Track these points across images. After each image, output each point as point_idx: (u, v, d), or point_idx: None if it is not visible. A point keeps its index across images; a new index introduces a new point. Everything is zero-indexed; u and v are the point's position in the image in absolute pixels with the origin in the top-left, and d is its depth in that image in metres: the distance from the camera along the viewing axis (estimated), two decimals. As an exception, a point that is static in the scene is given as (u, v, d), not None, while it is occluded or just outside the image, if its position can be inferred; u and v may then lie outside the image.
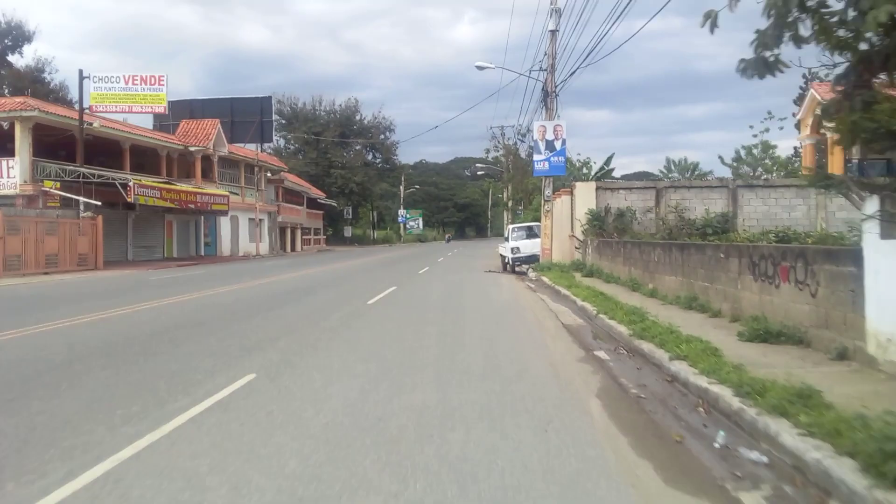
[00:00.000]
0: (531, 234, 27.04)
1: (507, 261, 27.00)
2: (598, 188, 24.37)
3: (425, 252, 52.69)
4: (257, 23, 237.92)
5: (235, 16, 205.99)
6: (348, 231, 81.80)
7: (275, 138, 78.73)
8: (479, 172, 77.07)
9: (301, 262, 36.82)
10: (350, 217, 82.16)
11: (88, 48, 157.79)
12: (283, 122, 79.16)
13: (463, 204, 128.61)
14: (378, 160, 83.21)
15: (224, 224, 42.74)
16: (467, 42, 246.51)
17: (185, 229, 40.39)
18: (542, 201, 25.54)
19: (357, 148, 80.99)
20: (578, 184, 24.92)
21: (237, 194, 45.72)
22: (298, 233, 58.17)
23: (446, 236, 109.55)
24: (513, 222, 53.06)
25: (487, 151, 48.38)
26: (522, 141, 45.14)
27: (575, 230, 23.95)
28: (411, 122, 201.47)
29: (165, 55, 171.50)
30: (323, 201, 65.25)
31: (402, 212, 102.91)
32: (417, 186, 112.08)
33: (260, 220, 47.84)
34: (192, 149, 40.02)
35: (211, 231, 42.09)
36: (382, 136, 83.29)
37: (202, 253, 41.05)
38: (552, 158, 24.79)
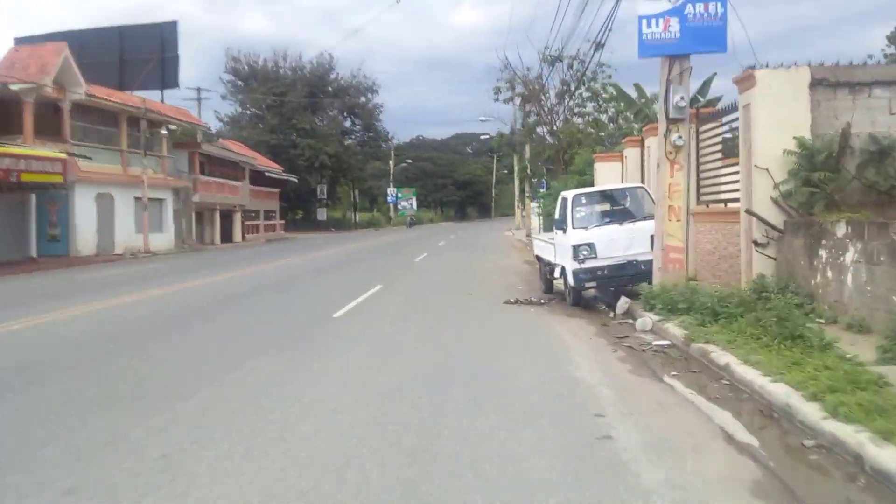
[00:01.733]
0: (625, 210, 11.26)
1: (554, 274, 11.56)
2: (816, 84, 8.77)
3: (408, 242, 37.20)
4: (258, 12, 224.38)
5: (236, 5, 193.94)
6: (322, 213, 66.10)
7: (231, 104, 63.22)
8: (483, 134, 60.45)
9: (215, 264, 22.28)
10: (324, 197, 66.38)
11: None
12: (240, 83, 63.19)
13: (463, 181, 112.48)
14: (358, 127, 67.10)
15: (84, 206, 27.19)
16: (469, 26, 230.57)
17: (8, 215, 24.87)
18: (665, 131, 9.61)
19: (332, 113, 64.96)
20: (764, 74, 8.89)
21: (115, 162, 30.06)
22: (238, 218, 42.56)
23: (408, 219, 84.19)
24: (532, 197, 37.41)
25: (497, 92, 32.47)
26: (556, 63, 29.13)
27: (755, 197, 8.48)
28: (413, 106, 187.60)
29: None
30: (276, 175, 49.48)
31: (391, 190, 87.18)
32: (409, 161, 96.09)
33: (156, 199, 32.11)
34: (14, 87, 24.41)
35: (61, 217, 26.53)
36: (363, 99, 67.22)
37: (40, 252, 25.55)
38: (691, 10, 9.18)
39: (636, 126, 29.30)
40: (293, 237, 52.19)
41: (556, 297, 11.71)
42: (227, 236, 41.32)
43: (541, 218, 35.38)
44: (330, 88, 64.32)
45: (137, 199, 30.05)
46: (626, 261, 10.13)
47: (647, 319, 8.51)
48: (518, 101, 34.85)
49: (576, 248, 10.11)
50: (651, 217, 10.33)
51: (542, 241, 12.82)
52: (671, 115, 9.42)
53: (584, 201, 11.02)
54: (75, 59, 27.44)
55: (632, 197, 11.14)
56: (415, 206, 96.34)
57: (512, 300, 11.17)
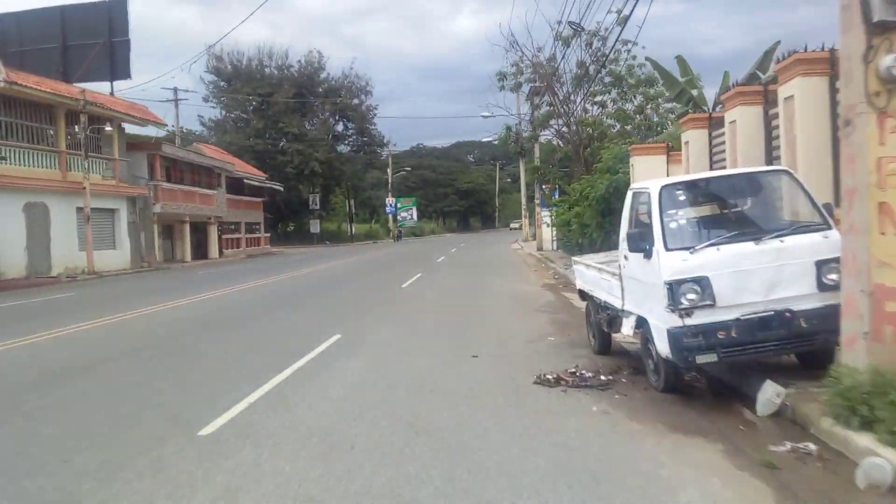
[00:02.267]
0: (760, 216, 6.18)
1: (622, 330, 6.65)
2: None
3: (403, 257, 32.40)
4: (257, 21, 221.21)
5: (233, 14, 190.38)
6: (315, 226, 61.38)
7: (214, 107, 58.69)
8: (486, 137, 55.72)
9: (151, 291, 17.97)
10: (316, 207, 61.68)
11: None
12: (223, 83, 58.74)
13: (466, 190, 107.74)
14: (350, 131, 62.49)
15: (7, 219, 22.48)
16: (468, 33, 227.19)
17: None
18: (865, 49, 4.79)
19: (322, 116, 60.42)
20: None
21: (51, 166, 25.37)
22: (213, 231, 37.80)
23: (396, 231, 73.42)
24: (542, 205, 32.62)
25: (502, 80, 27.41)
26: (574, 39, 24.26)
27: None
28: (413, 114, 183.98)
29: (168, 56, 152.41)
30: (258, 183, 44.77)
31: (389, 200, 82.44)
32: (408, 169, 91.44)
33: (105, 210, 27.49)
34: None
35: (-26, 233, 21.85)
36: (356, 101, 62.59)
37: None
38: None
39: (672, 116, 24.56)
40: (279, 252, 47.45)
41: (623, 364, 6.87)
42: (201, 252, 36.60)
43: (553, 230, 30.67)
44: (320, 89, 59.76)
45: (80, 209, 25.31)
46: (772, 311, 5.28)
47: (882, 465, 3.68)
48: (527, 89, 30.08)
49: (674, 288, 5.25)
50: (813, 227, 5.52)
51: (591, 270, 7.80)
52: (878, 16, 4.60)
53: (682, 198, 6.15)
54: (13, 44, 22.89)
55: (768, 190, 6.26)
56: (415, 216, 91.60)
57: (548, 376, 6.32)
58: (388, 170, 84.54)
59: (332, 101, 59.32)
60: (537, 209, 32.63)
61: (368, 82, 62.87)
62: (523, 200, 49.95)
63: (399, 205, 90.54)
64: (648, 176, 13.78)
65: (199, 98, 57.91)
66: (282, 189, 47.40)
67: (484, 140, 51.89)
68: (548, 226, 31.58)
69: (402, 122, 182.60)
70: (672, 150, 15.59)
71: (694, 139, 12.58)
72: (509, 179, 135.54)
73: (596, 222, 17.42)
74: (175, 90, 46.32)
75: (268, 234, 47.77)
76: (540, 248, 31.20)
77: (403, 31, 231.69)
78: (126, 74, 29.62)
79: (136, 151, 30.22)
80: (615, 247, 7.18)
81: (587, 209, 18.44)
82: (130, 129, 31.17)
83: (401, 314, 11.99)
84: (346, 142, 62.13)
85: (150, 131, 35.76)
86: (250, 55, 58.98)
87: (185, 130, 52.08)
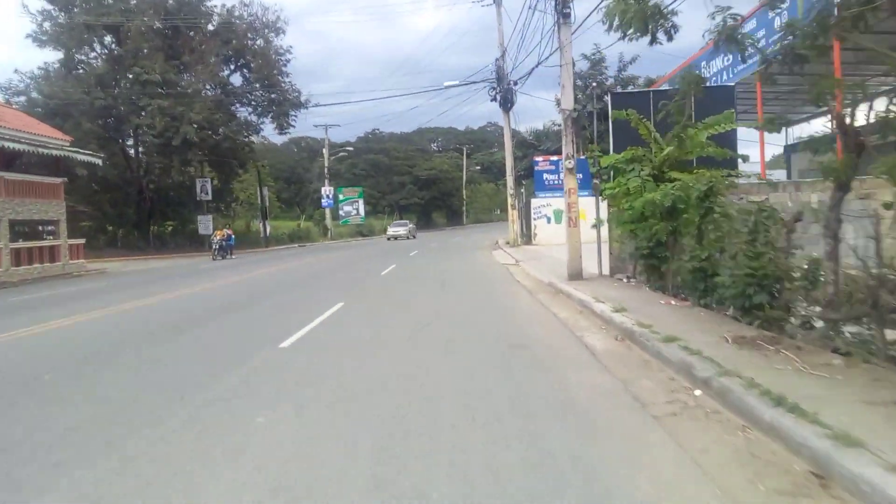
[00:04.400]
0: None
1: None
2: None
3: (308, 279, 13.54)
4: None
5: None
6: (206, 224, 41.86)
7: (42, 46, 38.68)
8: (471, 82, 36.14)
9: None
10: (207, 197, 42.12)
11: None
12: (57, 12, 38.68)
13: (427, 179, 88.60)
14: (255, 85, 42.66)
15: None
16: (431, 28, 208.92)
17: None
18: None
19: (208, 62, 40.77)
20: None
21: None
22: None
23: (218, 241, 34.13)
24: (586, 186, 14.40)
25: None
26: None
27: None
28: (377, 108, 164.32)
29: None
30: (57, 151, 24.76)
31: (326, 190, 63.34)
32: (349, 149, 72.43)
33: None
34: None
35: None
36: (256, 39, 42.79)
37: None
38: None
39: None
40: (102, 270, 28.10)
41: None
42: None
43: (611, 229, 12.44)
44: (202, 22, 40.12)
45: None
46: None
47: None
48: None
49: None
50: None
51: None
52: None
53: None
54: None
55: None
56: (362, 210, 72.34)
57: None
58: (324, 150, 65.40)
59: (222, 40, 39.75)
60: (571, 194, 13.68)
61: (280, 17, 43.44)
62: (510, 182, 31.39)
63: (341, 196, 71.32)
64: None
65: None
66: (99, 161, 27.74)
67: (452, 86, 32.94)
68: (596, 225, 13.35)
69: (364, 112, 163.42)
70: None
71: None
72: (478, 167, 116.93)
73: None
74: None
75: (82, 241, 28.16)
76: (576, 274, 12.77)
77: (366, 25, 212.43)
78: None
79: None
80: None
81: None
82: None
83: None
84: (249, 101, 42.53)
85: None
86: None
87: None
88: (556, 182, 30.48)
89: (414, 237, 52.27)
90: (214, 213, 46.41)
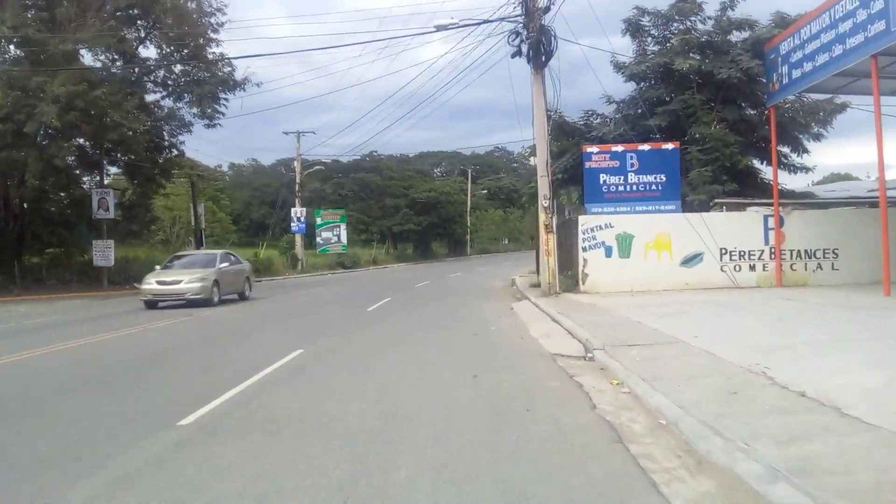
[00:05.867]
0: None
1: None
2: None
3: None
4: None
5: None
6: (105, 253, 29.13)
7: None
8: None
9: None
10: (107, 215, 29.38)
11: None
12: None
13: (425, 203, 75.40)
14: (160, 43, 30.04)
15: None
16: (440, 63, 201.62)
17: None
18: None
19: (105, 22, 28.34)
20: None
21: None
22: None
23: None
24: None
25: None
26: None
27: None
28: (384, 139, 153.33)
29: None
30: None
31: (296, 211, 50.94)
32: (324, 160, 60.28)
33: None
34: None
35: None
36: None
37: None
38: None
39: None
40: None
41: None
42: None
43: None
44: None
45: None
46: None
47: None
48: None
49: None
50: None
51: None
52: None
53: None
54: None
55: None
56: (343, 237, 59.37)
57: None
58: (296, 163, 53.06)
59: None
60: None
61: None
62: (542, 186, 18.51)
63: (318, 220, 58.70)
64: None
65: None
66: None
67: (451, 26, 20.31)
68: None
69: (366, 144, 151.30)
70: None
71: None
72: (484, 191, 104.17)
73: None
74: None
75: None
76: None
77: (372, 58, 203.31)
78: None
79: None
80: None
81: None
82: None
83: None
84: (167, 79, 30.05)
85: None
86: None
87: None
88: (621, 187, 17.98)
89: (244, 292, 22.66)
90: (125, 236, 33.90)
